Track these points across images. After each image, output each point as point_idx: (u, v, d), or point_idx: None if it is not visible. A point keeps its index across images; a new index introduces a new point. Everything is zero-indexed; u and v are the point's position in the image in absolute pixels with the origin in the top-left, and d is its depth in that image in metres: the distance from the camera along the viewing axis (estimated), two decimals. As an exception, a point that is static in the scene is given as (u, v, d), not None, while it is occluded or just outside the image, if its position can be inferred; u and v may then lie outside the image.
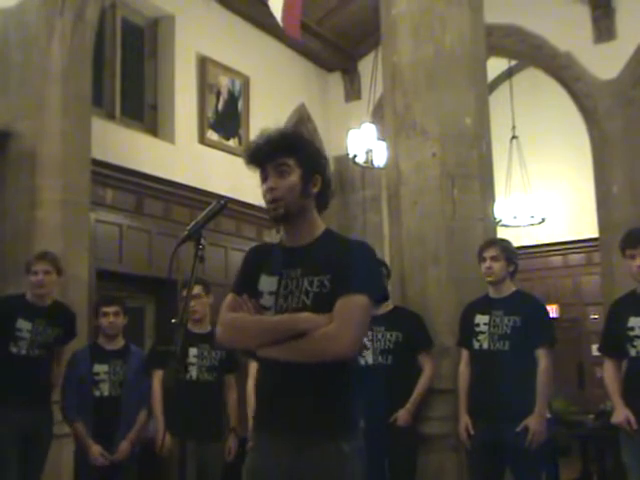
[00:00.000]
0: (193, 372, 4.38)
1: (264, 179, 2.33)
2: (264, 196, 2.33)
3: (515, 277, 4.20)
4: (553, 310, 11.27)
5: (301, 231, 2.33)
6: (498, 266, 4.07)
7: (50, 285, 4.49)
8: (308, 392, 2.21)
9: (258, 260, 2.42)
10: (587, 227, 9.81)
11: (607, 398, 4.50)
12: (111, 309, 4.48)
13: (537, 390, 3.92)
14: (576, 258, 11.26)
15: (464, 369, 4.17)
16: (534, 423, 3.87)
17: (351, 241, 2.37)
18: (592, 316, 10.63)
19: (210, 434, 4.35)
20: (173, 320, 2.18)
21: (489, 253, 4.09)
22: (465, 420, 4.06)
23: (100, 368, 4.41)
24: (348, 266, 2.22)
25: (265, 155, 2.31)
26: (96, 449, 4.27)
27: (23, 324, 4.40)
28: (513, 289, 4.15)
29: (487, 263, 4.07)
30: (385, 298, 2.28)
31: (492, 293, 4.14)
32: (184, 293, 3.95)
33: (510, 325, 3.98)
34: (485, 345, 4.03)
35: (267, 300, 2.30)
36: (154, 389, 4.40)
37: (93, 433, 4.32)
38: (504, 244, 4.20)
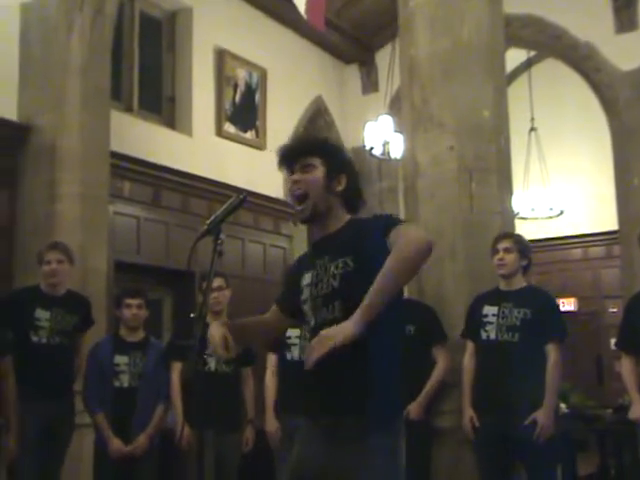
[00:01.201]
0: (212, 364, 4.41)
1: (290, 174, 2.44)
2: (291, 194, 2.41)
3: (528, 273, 4.17)
4: (571, 303, 11.23)
5: (328, 226, 2.41)
6: (511, 258, 4.04)
7: (63, 274, 4.53)
8: (340, 380, 2.24)
9: (297, 270, 2.51)
10: (607, 219, 9.73)
11: (625, 392, 4.47)
12: (135, 301, 4.52)
13: (546, 384, 3.90)
14: (595, 251, 11.18)
15: (469, 361, 4.14)
16: (542, 417, 3.85)
17: (372, 218, 2.43)
18: (611, 309, 10.56)
19: (228, 425, 4.38)
20: (192, 314, 2.20)
21: (502, 245, 4.07)
22: (469, 413, 4.05)
23: (120, 359, 4.45)
24: (374, 228, 2.30)
25: (292, 155, 2.44)
26: (116, 442, 4.30)
27: (41, 313, 4.44)
28: (524, 284, 4.12)
29: (500, 254, 4.06)
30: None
31: (502, 286, 4.11)
32: (204, 286, 3.97)
33: (520, 317, 3.96)
34: (493, 335, 4.01)
35: (304, 293, 2.39)
36: (173, 381, 4.43)
37: (112, 424, 4.36)
38: (518, 237, 4.18)
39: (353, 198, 2.43)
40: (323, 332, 2.11)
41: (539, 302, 4.04)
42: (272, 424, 4.50)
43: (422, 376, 4.30)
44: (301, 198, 2.37)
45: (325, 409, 2.28)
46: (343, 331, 2.08)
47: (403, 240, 2.16)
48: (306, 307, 2.37)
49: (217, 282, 4.40)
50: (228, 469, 4.45)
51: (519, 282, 4.10)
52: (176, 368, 4.45)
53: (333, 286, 2.28)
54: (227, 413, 4.36)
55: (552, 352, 3.94)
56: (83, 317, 4.67)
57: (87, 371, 4.51)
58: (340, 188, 2.40)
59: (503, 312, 4.00)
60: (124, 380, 4.42)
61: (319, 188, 2.36)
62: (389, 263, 2.12)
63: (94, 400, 4.40)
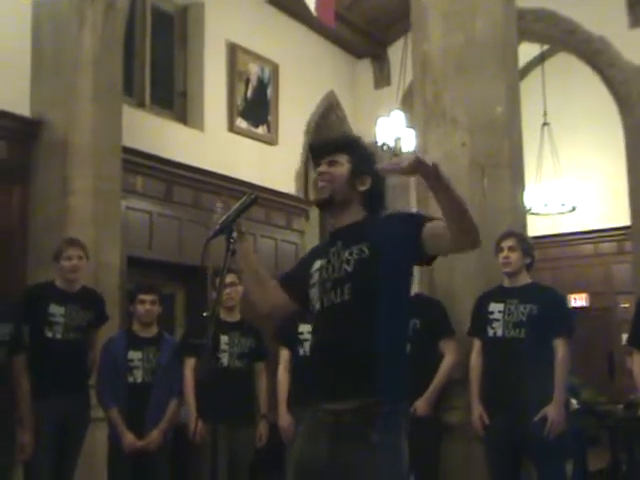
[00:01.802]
0: (224, 359, 4.44)
1: (316, 167, 2.52)
2: (314, 185, 2.51)
3: (531, 270, 4.17)
4: (583, 299, 11.20)
5: (343, 218, 2.47)
6: (515, 256, 4.06)
7: (82, 270, 4.57)
8: (348, 374, 2.27)
9: (312, 256, 2.57)
10: (619, 215, 9.69)
11: (636, 389, 4.46)
12: (149, 297, 4.53)
13: (555, 379, 3.91)
14: (607, 246, 11.14)
15: (476, 359, 4.14)
16: (553, 413, 3.85)
17: (389, 213, 2.55)
18: (622, 305, 10.52)
19: (241, 420, 4.41)
20: (205, 313, 2.22)
21: (506, 243, 4.09)
22: (478, 410, 4.05)
23: (134, 355, 4.46)
24: (395, 222, 2.41)
25: (321, 149, 2.54)
26: (130, 437, 4.32)
27: (56, 309, 4.46)
28: (529, 280, 4.14)
29: (504, 253, 4.07)
30: None
31: (507, 283, 4.13)
32: (217, 283, 3.99)
33: (526, 313, 3.97)
34: (500, 332, 4.02)
35: (313, 278, 2.43)
36: (186, 377, 4.46)
37: (125, 419, 4.38)
38: (521, 236, 4.19)
39: (374, 200, 2.50)
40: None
41: (545, 298, 4.06)
42: (285, 419, 4.52)
43: (429, 371, 4.28)
44: (323, 184, 2.46)
45: (332, 393, 2.30)
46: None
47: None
48: (313, 291, 2.41)
49: (230, 278, 4.42)
50: (241, 464, 4.48)
51: (523, 279, 4.12)
52: (189, 364, 4.48)
53: (346, 270, 2.34)
54: (240, 408, 4.38)
55: (560, 347, 3.95)
56: (97, 313, 4.69)
57: (101, 366, 4.53)
58: (362, 188, 2.46)
59: (509, 309, 4.02)
60: (138, 376, 4.43)
61: (342, 182, 2.44)
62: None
63: (108, 395, 4.42)
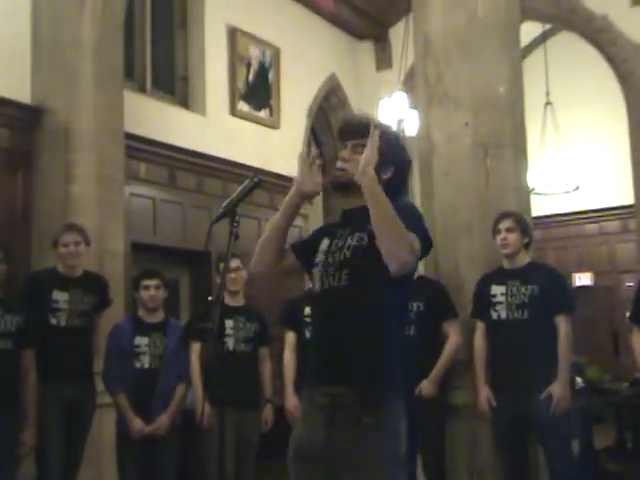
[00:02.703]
0: (230, 343, 4.46)
1: (341, 148, 2.46)
2: (334, 171, 2.43)
3: (530, 250, 4.18)
4: (587, 278, 11.20)
5: (356, 200, 2.39)
6: (513, 237, 4.07)
7: (80, 255, 4.56)
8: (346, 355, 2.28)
9: (321, 231, 2.59)
10: (623, 194, 9.68)
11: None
12: (153, 282, 4.52)
13: (559, 356, 3.92)
14: (611, 225, 11.13)
15: (480, 341, 4.16)
16: (558, 390, 3.87)
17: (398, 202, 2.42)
18: (627, 283, 10.52)
19: (247, 404, 4.43)
20: (209, 298, 2.22)
21: (504, 224, 4.09)
22: (485, 392, 4.07)
23: (141, 340, 4.46)
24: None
25: (352, 131, 2.45)
26: (138, 423, 4.34)
27: (59, 295, 4.47)
28: (528, 260, 4.14)
29: (502, 234, 4.08)
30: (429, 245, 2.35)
31: (506, 265, 4.14)
32: (221, 268, 4.00)
33: (528, 294, 3.99)
34: (503, 315, 4.04)
35: (318, 257, 2.43)
36: (192, 361, 4.47)
37: (133, 404, 4.39)
38: (519, 216, 4.18)
39: (395, 189, 2.40)
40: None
41: (545, 277, 4.07)
42: (291, 401, 4.54)
43: (434, 353, 4.31)
44: (344, 169, 2.39)
45: (329, 377, 2.30)
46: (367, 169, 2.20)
47: (410, 241, 2.23)
48: (316, 271, 2.41)
49: (234, 263, 4.44)
50: (248, 447, 4.50)
51: (522, 259, 4.13)
52: (195, 348, 4.49)
53: (346, 256, 2.35)
54: (246, 392, 4.41)
55: (562, 324, 3.96)
56: (101, 297, 4.70)
57: (107, 352, 4.54)
58: (385, 177, 2.39)
59: (511, 290, 4.03)
60: (145, 361, 4.43)
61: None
62: (395, 215, 2.20)
63: (115, 381, 4.44)
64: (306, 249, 2.49)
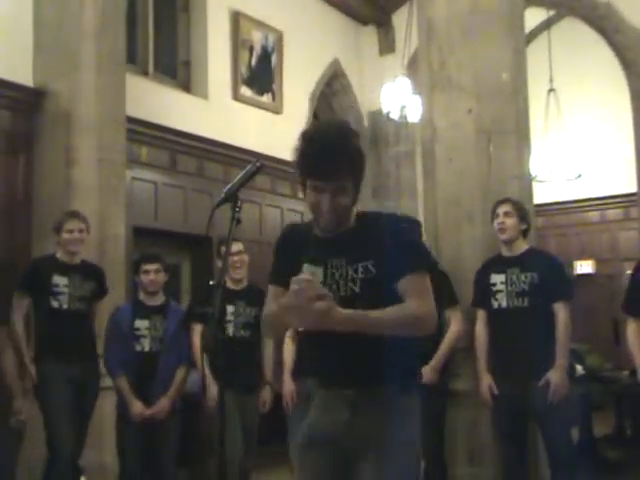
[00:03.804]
0: (230, 329, 4.46)
1: (316, 191, 2.19)
2: (314, 207, 2.22)
3: (528, 237, 4.17)
4: (589, 266, 11.20)
5: (339, 223, 2.26)
6: (511, 222, 4.06)
7: (83, 242, 4.60)
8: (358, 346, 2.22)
9: (295, 246, 2.34)
10: (625, 182, 9.65)
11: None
12: (153, 266, 4.53)
13: (557, 344, 3.93)
14: (613, 213, 11.12)
15: (482, 329, 4.16)
16: (555, 377, 3.88)
17: (387, 220, 2.31)
18: (628, 272, 10.50)
19: (246, 388, 4.43)
20: (211, 282, 2.21)
21: (502, 209, 4.09)
22: (487, 380, 4.07)
23: (141, 323, 4.47)
24: (398, 246, 2.21)
25: (326, 174, 2.16)
26: (138, 406, 4.35)
27: (59, 279, 4.50)
28: (526, 247, 4.14)
29: (500, 219, 4.07)
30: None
31: (505, 252, 4.14)
32: (223, 251, 3.99)
33: (527, 282, 3.99)
34: (504, 303, 4.04)
35: None
36: (194, 343, 4.49)
37: (134, 387, 4.40)
38: (517, 202, 4.18)
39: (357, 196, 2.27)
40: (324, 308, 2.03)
41: (544, 264, 4.08)
42: (288, 386, 4.55)
43: (435, 340, 4.31)
44: (333, 226, 2.24)
45: (347, 381, 2.26)
46: (330, 319, 2.04)
47: (420, 310, 2.15)
48: None
49: (236, 246, 4.45)
50: (249, 430, 4.51)
51: (521, 246, 4.12)
52: (197, 330, 4.51)
53: (354, 290, 2.23)
54: (246, 376, 4.41)
55: (560, 311, 3.97)
56: (98, 285, 4.73)
57: (108, 335, 4.55)
58: (357, 197, 2.25)
59: (511, 279, 4.04)
60: (145, 344, 4.45)
61: (349, 209, 2.24)
62: (395, 315, 2.12)
63: (116, 363, 4.45)
64: (288, 272, 2.23)
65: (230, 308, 4.48)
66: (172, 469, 4.51)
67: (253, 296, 4.62)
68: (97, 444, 4.97)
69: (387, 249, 2.21)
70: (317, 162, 2.16)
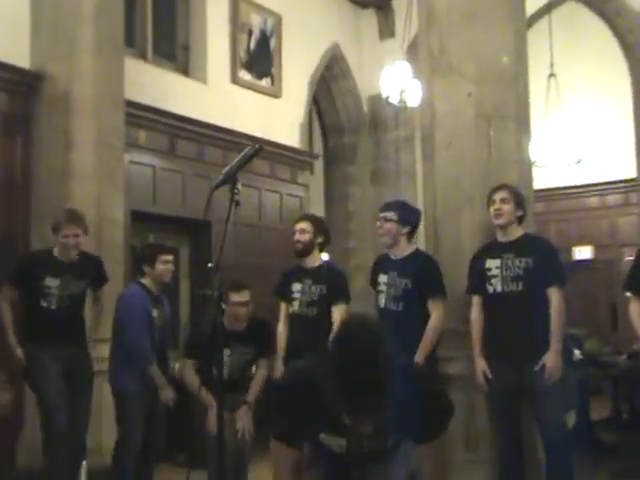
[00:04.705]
0: (225, 371, 4.32)
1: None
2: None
3: (523, 223, 4.16)
4: (588, 251, 11.20)
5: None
6: (507, 208, 4.06)
7: (79, 247, 4.59)
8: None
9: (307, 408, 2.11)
10: (625, 167, 9.64)
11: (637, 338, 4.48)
12: (170, 257, 4.63)
13: (552, 328, 3.94)
14: (613, 199, 11.11)
15: (477, 315, 4.15)
16: (550, 360, 3.90)
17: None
18: (627, 257, 10.52)
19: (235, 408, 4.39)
20: (209, 264, 2.21)
21: (499, 195, 4.09)
22: (481, 365, 4.08)
23: (155, 313, 4.56)
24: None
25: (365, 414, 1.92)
26: (170, 392, 4.45)
27: (51, 282, 4.53)
28: (521, 232, 4.14)
29: (496, 205, 4.07)
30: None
31: (500, 237, 4.14)
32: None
33: (522, 266, 3.99)
34: (499, 288, 4.04)
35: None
36: (189, 378, 4.39)
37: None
38: (513, 188, 4.17)
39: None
40: None
41: (538, 249, 4.08)
42: (280, 371, 4.55)
43: (420, 330, 4.26)
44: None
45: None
46: None
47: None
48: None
49: (243, 296, 4.37)
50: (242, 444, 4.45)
51: (516, 232, 4.13)
52: (189, 365, 4.48)
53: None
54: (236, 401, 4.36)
55: (554, 295, 3.98)
56: (94, 277, 4.74)
57: (134, 319, 4.46)
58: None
59: (506, 264, 4.04)
60: (156, 334, 4.55)
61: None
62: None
63: (148, 350, 4.44)
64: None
65: (227, 351, 4.31)
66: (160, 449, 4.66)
67: (252, 335, 4.49)
68: (97, 427, 4.98)
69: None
70: (358, 407, 1.86)
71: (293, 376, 2.30)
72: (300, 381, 2.13)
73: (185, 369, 4.47)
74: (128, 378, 4.45)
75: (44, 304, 4.51)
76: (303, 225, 4.60)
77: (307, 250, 4.57)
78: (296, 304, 4.58)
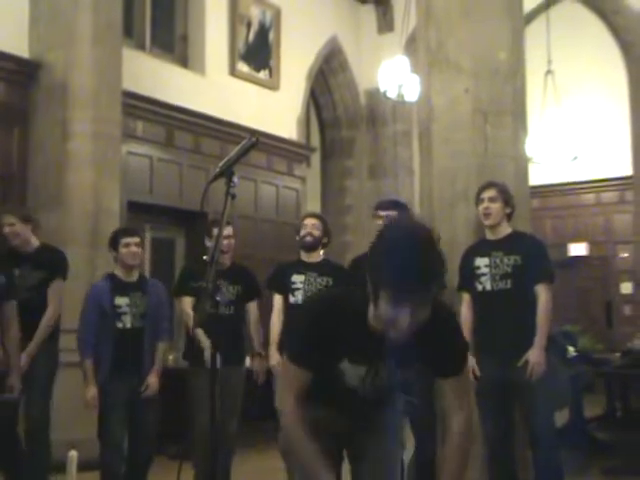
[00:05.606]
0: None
1: (395, 303, 1.88)
2: (389, 321, 1.93)
3: (511, 220, 4.17)
4: (583, 248, 11.22)
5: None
6: (496, 207, 4.06)
7: (19, 235, 4.46)
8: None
9: (338, 332, 2.06)
10: (621, 164, 9.66)
11: (634, 337, 4.50)
12: (133, 239, 4.41)
13: (537, 324, 3.95)
14: (608, 196, 11.13)
15: (466, 312, 4.16)
16: (533, 356, 3.91)
17: (441, 322, 2.16)
18: (621, 254, 10.56)
19: (230, 359, 4.35)
20: (205, 257, 2.21)
21: (487, 194, 4.08)
22: (470, 361, 4.09)
23: (121, 301, 4.35)
24: (450, 352, 2.20)
25: (412, 285, 1.86)
26: (93, 391, 4.27)
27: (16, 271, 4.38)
28: (510, 230, 4.15)
29: (485, 204, 4.07)
30: None
31: (489, 235, 4.14)
32: (214, 232, 3.98)
33: (511, 264, 4.00)
34: (488, 286, 4.05)
35: (352, 379, 2.16)
36: (187, 313, 4.51)
37: (116, 365, 4.30)
38: (502, 186, 4.18)
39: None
40: None
41: (527, 247, 4.08)
42: (275, 359, 4.57)
43: None
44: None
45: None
46: None
47: (462, 428, 2.22)
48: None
49: (226, 231, 4.39)
50: (232, 400, 4.49)
51: (505, 230, 4.13)
52: (187, 301, 4.55)
53: (387, 394, 2.38)
54: (229, 348, 4.36)
55: (542, 292, 3.99)
56: (51, 272, 4.54)
57: (84, 313, 4.41)
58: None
59: (494, 262, 4.05)
60: (127, 321, 4.33)
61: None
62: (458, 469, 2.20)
63: (88, 344, 4.32)
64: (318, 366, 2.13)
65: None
66: (151, 446, 4.48)
67: (235, 273, 4.61)
68: (85, 419, 4.94)
69: (437, 354, 2.12)
70: (404, 272, 1.84)
71: (328, 299, 2.26)
72: (335, 305, 2.12)
73: (183, 306, 4.57)
74: (100, 374, 4.36)
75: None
76: (315, 221, 4.66)
77: (315, 245, 4.63)
78: (299, 294, 4.59)
